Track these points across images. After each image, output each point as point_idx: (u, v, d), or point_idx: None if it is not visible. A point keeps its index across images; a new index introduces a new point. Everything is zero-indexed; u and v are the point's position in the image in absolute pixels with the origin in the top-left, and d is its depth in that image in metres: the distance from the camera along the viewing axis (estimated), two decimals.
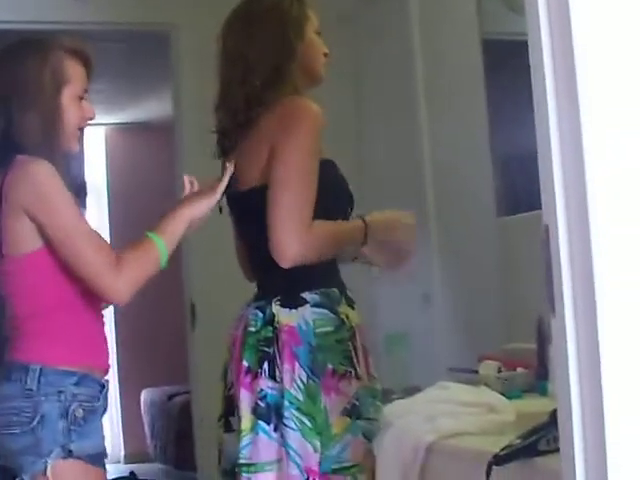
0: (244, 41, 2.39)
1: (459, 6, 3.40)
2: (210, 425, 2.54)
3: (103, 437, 2.20)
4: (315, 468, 2.20)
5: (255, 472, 2.24)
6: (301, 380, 2.24)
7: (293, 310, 2.28)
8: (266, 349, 2.27)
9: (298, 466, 2.19)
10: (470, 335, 3.14)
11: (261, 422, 2.24)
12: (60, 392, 2.09)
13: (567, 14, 1.22)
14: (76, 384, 2.12)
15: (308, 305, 2.29)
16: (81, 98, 2.24)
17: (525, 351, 2.69)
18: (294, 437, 2.21)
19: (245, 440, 2.24)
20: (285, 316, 2.28)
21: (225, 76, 2.43)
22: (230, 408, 2.34)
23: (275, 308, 2.29)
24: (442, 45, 3.48)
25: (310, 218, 2.25)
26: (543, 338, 2.58)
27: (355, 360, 2.30)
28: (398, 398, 2.47)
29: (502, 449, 1.66)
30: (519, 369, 2.64)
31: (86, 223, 2.16)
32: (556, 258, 1.28)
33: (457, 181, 3.34)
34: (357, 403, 2.26)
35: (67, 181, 2.12)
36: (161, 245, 2.17)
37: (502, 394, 2.21)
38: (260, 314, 2.31)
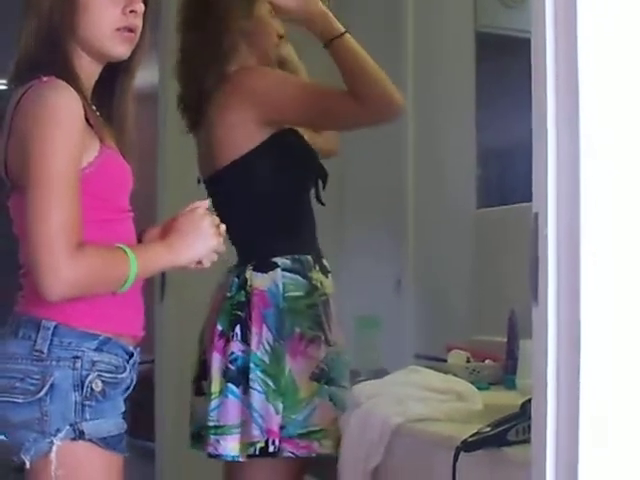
0: (202, 13, 2.38)
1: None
2: (173, 395, 2.53)
3: (124, 417, 1.84)
4: (275, 429, 2.23)
5: (222, 434, 2.27)
6: (268, 343, 2.27)
7: (265, 274, 2.32)
8: (239, 313, 2.31)
9: (260, 427, 2.22)
10: (441, 324, 3.14)
11: (230, 385, 2.27)
12: (76, 358, 1.74)
13: (574, 15, 1.22)
14: (97, 349, 1.77)
15: (279, 269, 2.32)
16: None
17: (494, 344, 2.69)
18: (258, 399, 2.24)
19: (214, 403, 2.28)
20: (257, 280, 2.32)
21: (184, 44, 2.43)
22: (203, 372, 2.36)
23: (248, 273, 2.33)
24: (435, 34, 3.47)
25: None
26: (513, 332, 2.58)
27: (326, 326, 2.33)
28: (364, 380, 2.46)
29: (471, 436, 1.65)
30: (487, 361, 2.65)
31: (74, 179, 1.69)
32: (543, 246, 1.27)
33: (439, 170, 3.34)
34: (326, 368, 2.30)
35: None
36: (133, 267, 1.73)
37: None
38: (236, 280, 2.34)
